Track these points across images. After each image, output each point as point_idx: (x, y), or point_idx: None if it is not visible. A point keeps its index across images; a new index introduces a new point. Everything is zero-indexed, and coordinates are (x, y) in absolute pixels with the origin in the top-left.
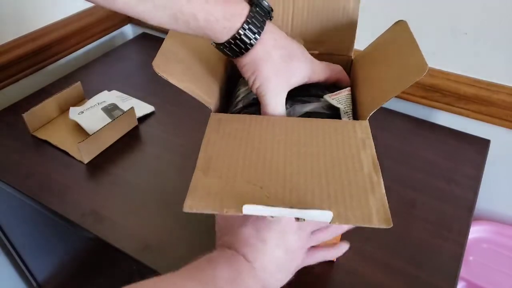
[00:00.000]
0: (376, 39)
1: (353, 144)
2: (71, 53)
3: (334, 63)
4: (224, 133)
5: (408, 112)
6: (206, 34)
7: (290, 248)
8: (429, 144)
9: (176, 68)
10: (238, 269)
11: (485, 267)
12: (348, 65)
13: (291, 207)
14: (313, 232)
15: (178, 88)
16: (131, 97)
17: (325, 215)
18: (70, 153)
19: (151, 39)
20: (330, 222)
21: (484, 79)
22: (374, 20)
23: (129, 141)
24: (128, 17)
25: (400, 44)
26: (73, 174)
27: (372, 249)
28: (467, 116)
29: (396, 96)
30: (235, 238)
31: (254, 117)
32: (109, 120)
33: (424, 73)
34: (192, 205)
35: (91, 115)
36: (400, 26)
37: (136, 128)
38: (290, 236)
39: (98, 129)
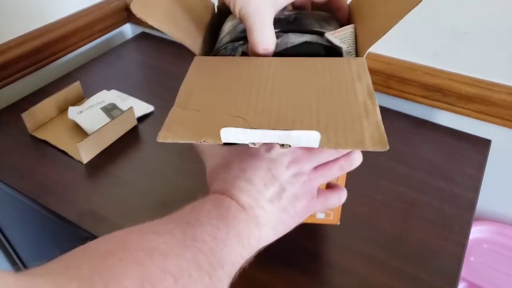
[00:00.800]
0: None
1: (348, 77)
2: (70, 52)
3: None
4: (207, 71)
5: (409, 112)
6: None
7: (285, 184)
8: (430, 144)
9: (157, 11)
10: (229, 215)
11: (486, 268)
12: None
13: (274, 129)
14: (315, 168)
15: (177, 87)
16: (130, 97)
17: (313, 137)
18: (69, 153)
19: (150, 38)
20: (318, 146)
21: (485, 78)
22: None
23: (128, 141)
24: (128, 16)
25: None
26: (72, 174)
27: (372, 249)
28: (468, 116)
29: (396, 96)
30: (222, 181)
31: (240, 58)
32: (108, 120)
33: (420, 1)
34: (167, 135)
35: (90, 114)
36: None
37: (135, 128)
38: (281, 171)
39: (97, 129)
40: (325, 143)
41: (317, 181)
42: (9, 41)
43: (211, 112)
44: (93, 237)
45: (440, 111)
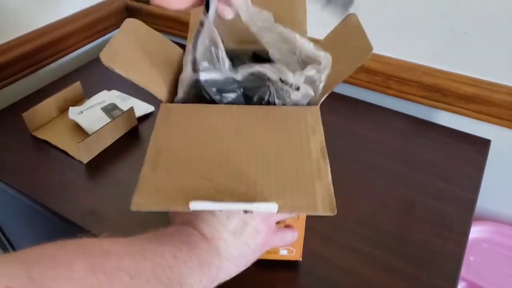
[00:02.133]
0: (329, 32)
1: (303, 130)
2: (70, 52)
3: None
4: (173, 124)
5: (408, 112)
6: None
7: (246, 220)
8: (429, 144)
9: (124, 61)
10: (191, 241)
11: (485, 267)
12: None
13: (237, 201)
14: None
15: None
16: (130, 97)
17: (271, 207)
18: (70, 153)
19: None
20: (276, 213)
21: (484, 78)
22: (374, 20)
23: (129, 141)
24: (128, 16)
25: (349, 33)
26: (73, 174)
27: (372, 249)
28: (468, 116)
29: (396, 96)
30: (185, 214)
31: (204, 106)
32: (108, 120)
33: (370, 54)
34: (140, 203)
35: (90, 115)
36: (350, 19)
37: (135, 128)
38: (252, 219)
39: (97, 129)
40: (282, 208)
41: (275, 218)
42: (10, 41)
43: (179, 173)
44: (94, 236)
45: (440, 111)
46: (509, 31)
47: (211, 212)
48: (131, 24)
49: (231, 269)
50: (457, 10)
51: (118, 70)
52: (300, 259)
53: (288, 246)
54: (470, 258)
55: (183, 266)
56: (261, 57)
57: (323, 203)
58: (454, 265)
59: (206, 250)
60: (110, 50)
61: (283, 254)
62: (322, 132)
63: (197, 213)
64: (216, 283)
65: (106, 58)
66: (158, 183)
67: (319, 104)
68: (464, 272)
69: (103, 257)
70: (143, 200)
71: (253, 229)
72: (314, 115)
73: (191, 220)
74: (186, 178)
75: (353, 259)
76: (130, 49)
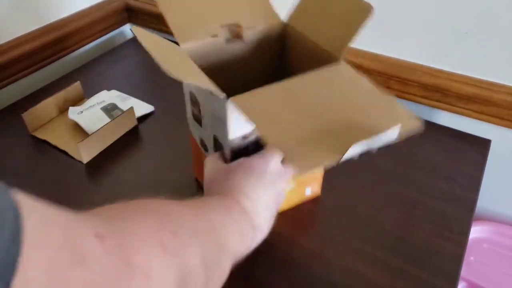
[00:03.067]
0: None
1: (349, 79)
2: (70, 52)
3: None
4: (258, 108)
5: None
6: None
7: (278, 189)
8: (430, 144)
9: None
10: (228, 205)
11: (486, 267)
12: (279, 31)
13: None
14: None
15: (178, 87)
16: (130, 97)
17: (394, 132)
18: (70, 153)
19: None
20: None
21: (485, 78)
22: (374, 20)
23: (129, 141)
24: (128, 16)
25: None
26: (73, 174)
27: (373, 249)
28: (468, 116)
29: (396, 96)
30: (223, 185)
31: (261, 89)
32: (108, 119)
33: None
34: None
35: (90, 114)
36: None
37: (135, 128)
38: (277, 180)
39: (97, 129)
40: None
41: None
42: (10, 41)
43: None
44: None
45: (440, 111)
46: (509, 31)
47: (251, 185)
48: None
49: (259, 239)
50: (457, 10)
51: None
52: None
53: (311, 184)
54: (470, 258)
55: (228, 230)
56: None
57: (414, 118)
58: (454, 265)
59: (245, 220)
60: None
61: (308, 194)
62: (363, 76)
63: (237, 187)
64: (245, 253)
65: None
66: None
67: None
68: (464, 272)
69: (166, 215)
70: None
71: (279, 195)
72: (348, 68)
73: (230, 192)
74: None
75: (353, 259)
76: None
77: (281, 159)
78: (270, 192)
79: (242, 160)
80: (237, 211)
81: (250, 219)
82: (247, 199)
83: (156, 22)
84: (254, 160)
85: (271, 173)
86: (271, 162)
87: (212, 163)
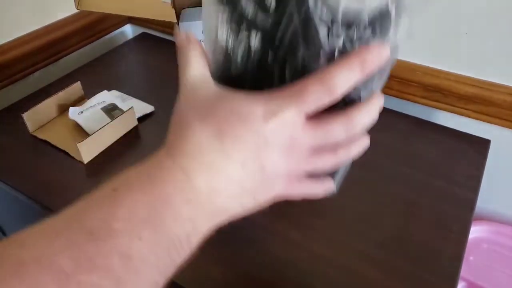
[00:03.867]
0: None
1: None
2: (71, 52)
3: None
4: None
5: (409, 112)
6: None
7: (269, 167)
8: (429, 144)
9: None
10: (159, 198)
11: (485, 267)
12: None
13: None
14: (316, 151)
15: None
16: (131, 97)
17: None
18: (70, 153)
19: (151, 39)
20: None
21: (484, 79)
22: None
23: (129, 141)
24: (128, 16)
25: None
26: (73, 174)
27: (372, 249)
28: (468, 116)
29: (396, 96)
30: (180, 139)
31: None
32: (109, 120)
33: None
34: None
35: (90, 115)
36: None
37: (136, 128)
38: (274, 150)
39: (98, 129)
40: None
41: (308, 167)
42: (10, 41)
43: None
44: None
45: (440, 111)
46: (509, 31)
47: (223, 151)
48: None
49: (219, 219)
50: (457, 10)
51: None
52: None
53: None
54: (470, 258)
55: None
56: None
57: None
58: (454, 265)
59: (183, 201)
60: None
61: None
62: None
63: (200, 143)
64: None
65: None
66: None
67: None
68: (464, 272)
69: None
70: None
71: (270, 179)
72: None
73: (173, 146)
74: None
75: (353, 259)
76: None
77: (295, 120)
78: (250, 169)
79: (229, 95)
80: (172, 197)
81: (199, 201)
82: (203, 165)
83: (156, 22)
84: (247, 105)
85: (266, 141)
86: (275, 121)
87: (192, 82)
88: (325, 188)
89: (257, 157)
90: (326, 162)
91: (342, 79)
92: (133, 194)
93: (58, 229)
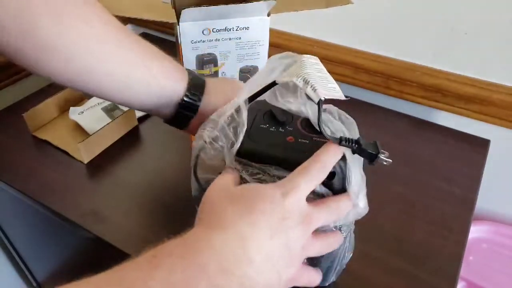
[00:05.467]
0: None
1: None
2: None
3: None
4: None
5: (408, 112)
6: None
7: (293, 239)
8: (429, 144)
9: None
10: (196, 264)
11: (485, 267)
12: None
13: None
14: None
15: None
16: None
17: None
18: (70, 153)
19: (151, 38)
20: None
21: (484, 79)
22: (374, 20)
23: (129, 141)
24: (128, 17)
25: None
26: (73, 174)
27: (372, 249)
28: (467, 116)
29: (396, 97)
30: (215, 217)
31: None
32: (109, 120)
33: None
34: None
35: (91, 115)
36: None
37: (136, 128)
38: (294, 221)
39: (98, 129)
40: None
41: (313, 249)
42: None
43: None
44: (94, 236)
45: (440, 112)
46: (509, 31)
47: (252, 224)
48: None
49: None
50: (457, 10)
51: None
52: None
53: None
54: (469, 258)
55: None
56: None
57: None
58: (453, 265)
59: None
60: None
61: None
62: None
63: (233, 220)
64: None
65: None
66: None
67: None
68: (463, 271)
69: None
70: None
71: (290, 258)
72: None
73: (207, 221)
74: None
75: (353, 259)
76: None
77: (306, 195)
78: (277, 241)
79: (252, 185)
80: (202, 269)
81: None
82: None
83: (156, 22)
84: (267, 188)
85: (288, 213)
86: (292, 196)
87: (221, 183)
88: (318, 274)
89: (282, 229)
90: (317, 248)
91: (330, 159)
92: (172, 259)
93: (99, 285)
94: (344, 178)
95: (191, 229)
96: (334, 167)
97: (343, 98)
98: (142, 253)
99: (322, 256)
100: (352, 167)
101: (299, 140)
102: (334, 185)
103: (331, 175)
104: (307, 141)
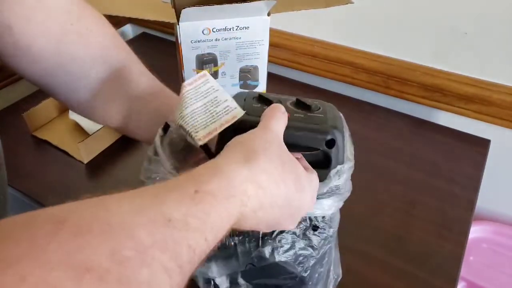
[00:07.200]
0: None
1: None
2: None
3: None
4: None
5: (408, 112)
6: None
7: (301, 184)
8: (429, 144)
9: None
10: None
11: (485, 267)
12: None
13: None
14: None
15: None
16: None
17: None
18: (70, 153)
19: (151, 38)
20: None
21: (484, 78)
22: (374, 20)
23: (129, 141)
24: (128, 17)
25: None
26: (73, 173)
27: (372, 249)
28: (468, 116)
29: (396, 96)
30: (255, 157)
31: None
32: None
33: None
34: None
35: None
36: None
37: None
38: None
39: (98, 129)
40: None
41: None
42: None
43: None
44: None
45: (440, 111)
46: (509, 31)
47: (263, 156)
48: None
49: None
50: (457, 10)
51: None
52: None
53: None
54: (470, 258)
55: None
56: (305, 103)
57: None
58: (453, 265)
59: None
60: None
61: None
62: None
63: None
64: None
65: None
66: None
67: None
68: (464, 272)
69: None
70: None
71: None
72: None
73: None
74: None
75: (353, 259)
76: None
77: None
78: (287, 171)
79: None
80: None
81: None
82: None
83: (156, 22)
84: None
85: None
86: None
87: (278, 129)
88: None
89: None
90: None
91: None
92: (214, 199)
93: (140, 206)
94: (342, 149)
95: (227, 158)
96: (333, 134)
97: (240, 115)
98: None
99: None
100: (347, 142)
101: (294, 115)
102: (332, 154)
103: (331, 142)
104: (302, 115)
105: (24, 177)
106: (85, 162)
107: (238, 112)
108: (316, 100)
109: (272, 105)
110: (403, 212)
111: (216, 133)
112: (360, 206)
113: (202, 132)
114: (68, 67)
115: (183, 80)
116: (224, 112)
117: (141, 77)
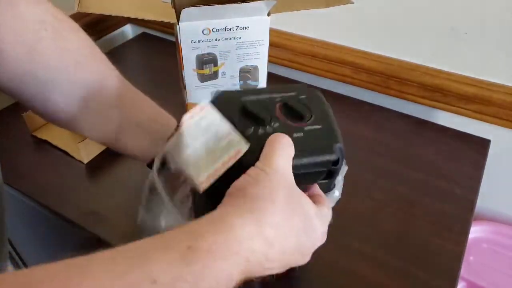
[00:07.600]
0: None
1: None
2: None
3: None
4: None
5: (408, 112)
6: None
7: (312, 226)
8: (429, 144)
9: None
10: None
11: (485, 267)
12: None
13: None
14: None
15: (177, 88)
16: None
17: None
18: (70, 153)
19: (151, 38)
20: None
21: (484, 78)
22: (374, 20)
23: None
24: (128, 17)
25: None
26: (73, 174)
27: (372, 249)
28: (468, 116)
29: (396, 96)
30: (264, 202)
31: None
32: None
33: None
34: None
35: None
36: None
37: None
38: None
39: None
40: None
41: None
42: None
43: None
44: (94, 236)
45: (440, 111)
46: (509, 31)
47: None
48: None
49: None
50: (457, 10)
51: None
52: None
53: None
54: (470, 258)
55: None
56: (296, 110)
57: None
58: (454, 265)
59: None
60: None
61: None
62: None
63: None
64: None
65: None
66: None
67: None
68: (464, 272)
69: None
70: None
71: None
72: None
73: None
74: None
75: (353, 259)
76: None
77: None
78: (296, 219)
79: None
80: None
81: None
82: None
83: (156, 22)
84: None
85: (318, 217)
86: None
87: (286, 168)
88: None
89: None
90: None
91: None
92: (210, 255)
93: (120, 269)
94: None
95: (229, 210)
96: (339, 152)
97: (244, 149)
98: (175, 230)
99: None
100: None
101: (294, 135)
102: (337, 169)
103: (338, 160)
104: (301, 134)
105: (23, 177)
106: (85, 162)
107: (242, 147)
108: (297, 90)
109: (274, 136)
110: (403, 212)
111: (219, 173)
112: (360, 206)
113: (204, 175)
114: (41, 75)
115: (183, 80)
116: (227, 147)
117: (120, 86)
